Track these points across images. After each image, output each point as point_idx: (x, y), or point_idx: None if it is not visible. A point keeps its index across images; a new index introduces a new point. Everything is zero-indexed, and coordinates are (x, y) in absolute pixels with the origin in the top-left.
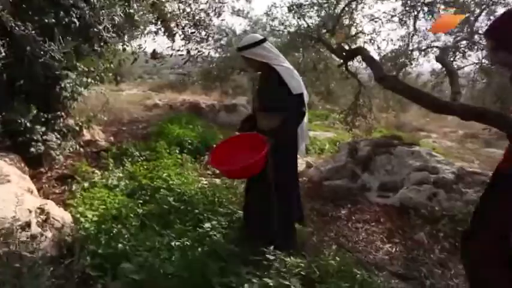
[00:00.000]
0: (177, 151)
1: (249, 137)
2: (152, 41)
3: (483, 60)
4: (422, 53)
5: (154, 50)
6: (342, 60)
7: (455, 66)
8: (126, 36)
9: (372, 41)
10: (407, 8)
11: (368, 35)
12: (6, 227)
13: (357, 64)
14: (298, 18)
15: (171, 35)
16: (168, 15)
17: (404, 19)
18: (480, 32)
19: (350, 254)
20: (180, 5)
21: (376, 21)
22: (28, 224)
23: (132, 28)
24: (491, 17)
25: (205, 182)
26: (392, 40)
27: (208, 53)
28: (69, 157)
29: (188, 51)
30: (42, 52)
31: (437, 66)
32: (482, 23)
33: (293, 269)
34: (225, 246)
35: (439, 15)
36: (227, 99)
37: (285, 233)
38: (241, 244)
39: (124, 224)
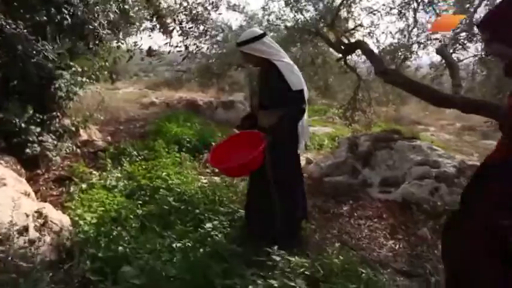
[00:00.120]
0: (176, 150)
1: (248, 135)
2: (148, 38)
3: (482, 53)
4: (422, 45)
5: (150, 47)
6: (340, 55)
7: (455, 59)
8: (121, 33)
9: (371, 34)
10: (405, 0)
11: (367, 28)
12: (3, 232)
13: (355, 58)
14: (296, 12)
15: (167, 31)
16: (164, 10)
17: (403, 11)
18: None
19: (354, 252)
20: None
21: (374, 14)
22: (26, 229)
23: (127, 25)
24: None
25: (205, 181)
26: (391, 33)
27: (207, 48)
28: (66, 158)
29: (186, 47)
30: (34, 52)
31: (436, 59)
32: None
33: (297, 269)
34: (227, 247)
35: (438, 9)
36: (224, 95)
37: (289, 232)
38: (244, 244)
39: (124, 225)
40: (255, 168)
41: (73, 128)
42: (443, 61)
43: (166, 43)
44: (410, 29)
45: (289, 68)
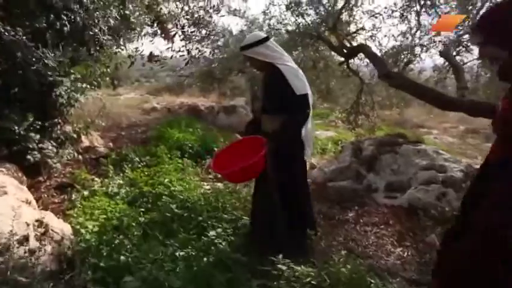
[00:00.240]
0: (178, 155)
1: (250, 141)
2: (150, 43)
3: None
4: (424, 48)
5: (151, 53)
6: (342, 58)
7: (459, 61)
8: (122, 39)
9: (373, 38)
10: (407, 3)
11: (369, 31)
12: (2, 242)
13: (357, 62)
14: (297, 16)
15: (168, 37)
16: (165, 16)
17: (405, 14)
18: None
19: (361, 260)
20: (178, 3)
21: (376, 17)
22: (26, 238)
23: (128, 30)
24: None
25: (207, 187)
26: (393, 36)
27: (210, 52)
28: (68, 165)
29: (189, 52)
30: (34, 59)
31: (440, 61)
32: None
33: (303, 278)
34: (232, 255)
35: (440, 11)
36: (225, 100)
37: (294, 240)
38: (248, 252)
39: (126, 234)
40: (257, 172)
41: (74, 135)
42: (447, 64)
43: (168, 48)
44: (413, 31)
45: (293, 72)
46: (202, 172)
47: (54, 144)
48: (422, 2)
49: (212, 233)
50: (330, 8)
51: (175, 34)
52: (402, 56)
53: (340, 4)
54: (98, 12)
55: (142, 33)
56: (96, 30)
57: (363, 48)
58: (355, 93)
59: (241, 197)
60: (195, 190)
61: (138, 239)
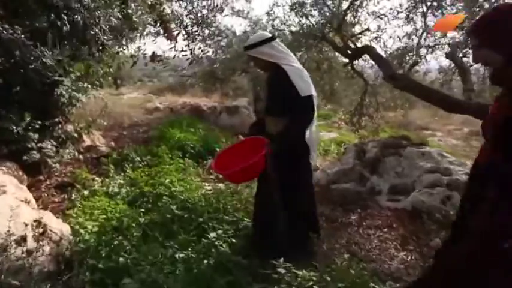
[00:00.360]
0: (179, 156)
1: (252, 141)
2: (153, 43)
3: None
4: (430, 49)
5: (154, 53)
6: (347, 59)
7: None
8: (124, 39)
9: (378, 39)
10: (413, 4)
11: (373, 32)
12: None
13: (362, 63)
14: (301, 17)
15: (171, 36)
16: (168, 15)
17: (411, 15)
18: None
19: (364, 264)
20: (182, 3)
21: (381, 18)
22: (24, 239)
23: (131, 30)
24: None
25: (208, 188)
26: (399, 37)
27: (213, 52)
28: (69, 164)
29: (191, 51)
30: (32, 58)
31: (446, 63)
32: None
33: (305, 283)
34: (232, 258)
35: (446, 13)
36: (228, 101)
37: (295, 242)
38: (249, 255)
39: (125, 234)
40: (258, 172)
41: (75, 134)
42: (453, 65)
43: (171, 48)
44: (419, 33)
45: (298, 73)
46: (204, 172)
47: (55, 143)
48: (428, 4)
49: (213, 234)
50: (334, 9)
51: (178, 34)
52: (407, 58)
53: (344, 5)
54: (99, 12)
55: (145, 33)
56: (97, 30)
57: (368, 50)
58: (358, 94)
59: (243, 198)
60: (196, 191)
61: (137, 240)
